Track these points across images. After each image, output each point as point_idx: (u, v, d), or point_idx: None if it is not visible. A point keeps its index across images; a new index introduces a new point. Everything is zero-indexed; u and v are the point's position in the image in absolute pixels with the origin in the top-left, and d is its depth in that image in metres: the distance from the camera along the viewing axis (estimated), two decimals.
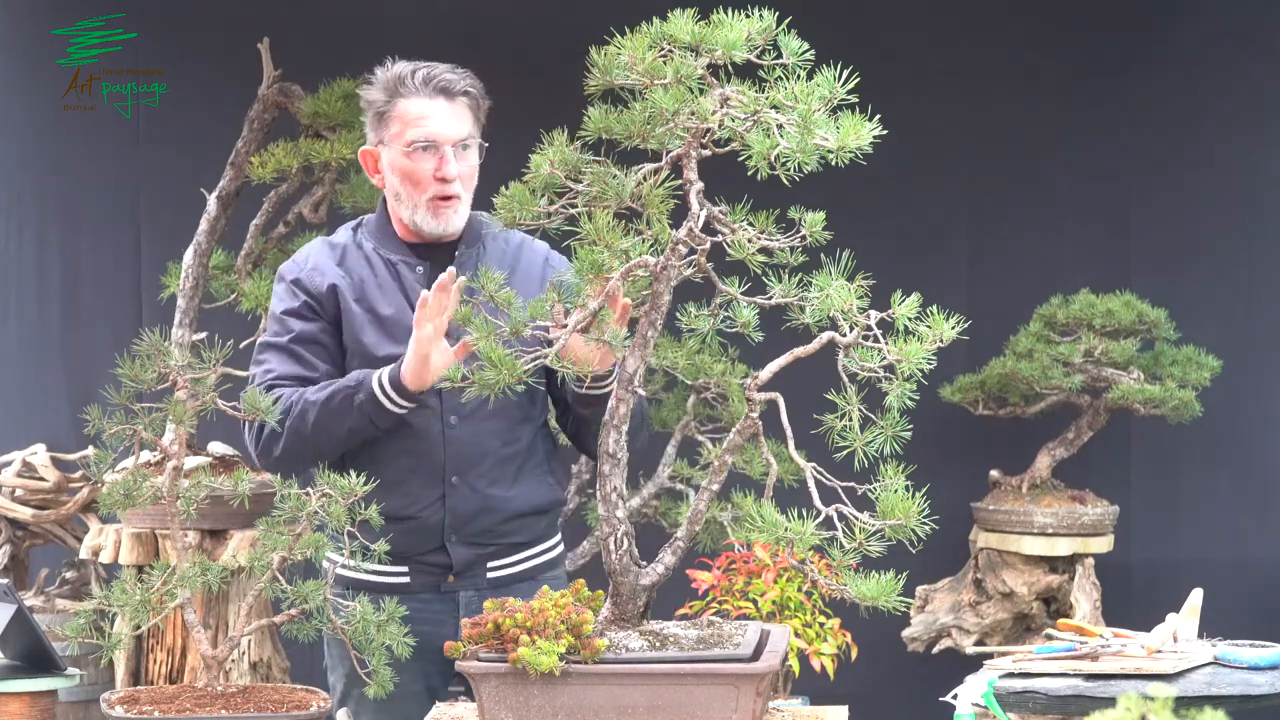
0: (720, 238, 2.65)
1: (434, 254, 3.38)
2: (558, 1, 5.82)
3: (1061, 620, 3.74)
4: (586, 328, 2.69)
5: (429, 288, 3.14)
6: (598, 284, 2.67)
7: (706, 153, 2.65)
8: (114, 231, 5.95)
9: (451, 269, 3.17)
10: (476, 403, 3.25)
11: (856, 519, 2.56)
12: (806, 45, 2.59)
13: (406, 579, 3.36)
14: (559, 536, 3.53)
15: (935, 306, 2.59)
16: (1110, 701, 3.06)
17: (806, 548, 2.57)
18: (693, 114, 2.60)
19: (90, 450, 5.48)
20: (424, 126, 3.30)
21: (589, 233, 2.65)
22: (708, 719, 2.57)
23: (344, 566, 3.31)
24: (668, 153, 2.65)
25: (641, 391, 3.07)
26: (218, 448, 5.16)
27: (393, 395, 3.21)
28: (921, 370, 2.54)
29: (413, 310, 3.22)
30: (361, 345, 3.33)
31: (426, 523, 3.34)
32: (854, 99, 2.56)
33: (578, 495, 5.46)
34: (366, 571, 3.30)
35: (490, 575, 3.38)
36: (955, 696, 3.15)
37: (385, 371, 3.23)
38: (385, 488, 3.26)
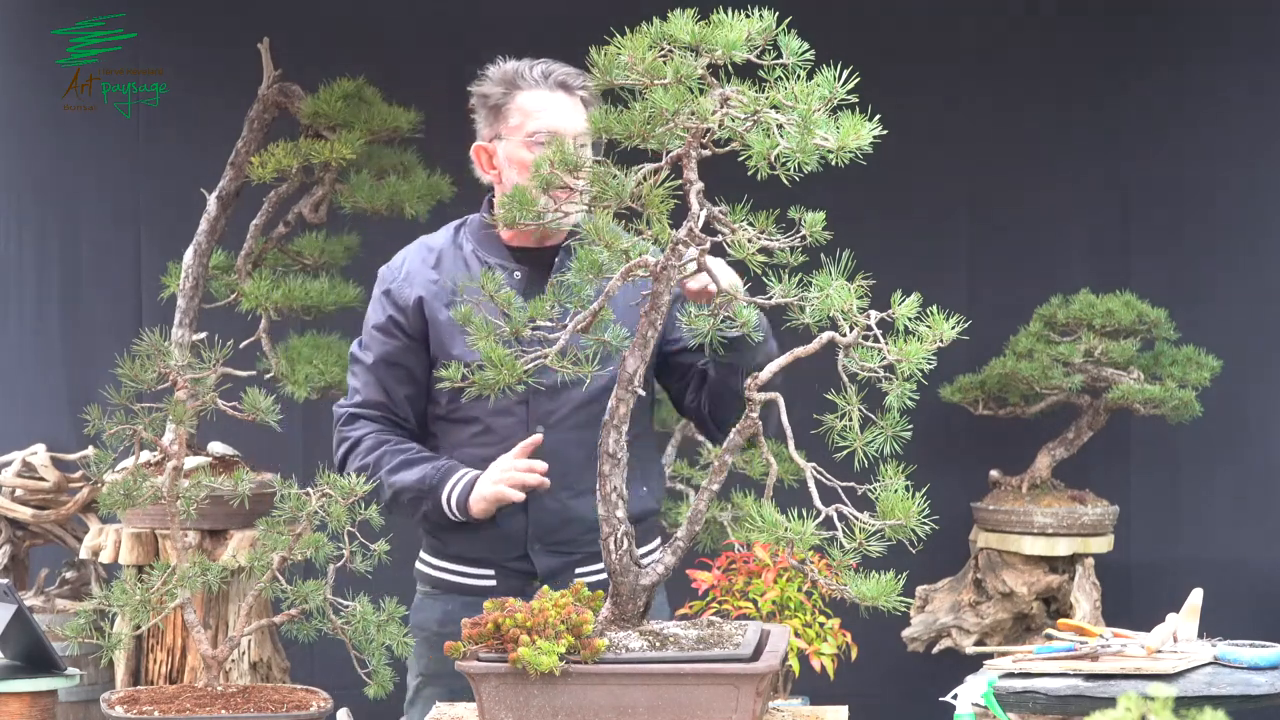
0: (720, 238, 2.65)
1: (533, 259, 3.33)
2: (558, 1, 5.82)
3: (1061, 620, 3.74)
4: (587, 328, 2.69)
5: (524, 294, 3.00)
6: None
7: (706, 153, 2.65)
8: (114, 231, 5.95)
9: (538, 437, 3.21)
10: (564, 412, 3.27)
11: (856, 519, 2.56)
12: (806, 45, 2.59)
13: (493, 582, 3.35)
14: (654, 543, 3.46)
15: (935, 306, 2.59)
16: (1110, 701, 3.06)
17: (806, 548, 2.57)
18: (693, 114, 2.60)
19: (90, 450, 5.48)
20: (544, 118, 3.27)
21: (589, 233, 2.65)
22: (708, 719, 2.57)
23: (429, 564, 3.36)
24: (668, 153, 2.65)
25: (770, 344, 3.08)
26: (218, 448, 5.16)
27: (459, 516, 3.27)
28: (921, 370, 2.54)
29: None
30: (451, 356, 3.26)
31: (509, 531, 3.32)
32: (854, 99, 2.55)
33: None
34: (451, 572, 3.37)
35: (579, 582, 3.35)
36: (955, 696, 3.15)
37: (456, 491, 3.25)
38: None
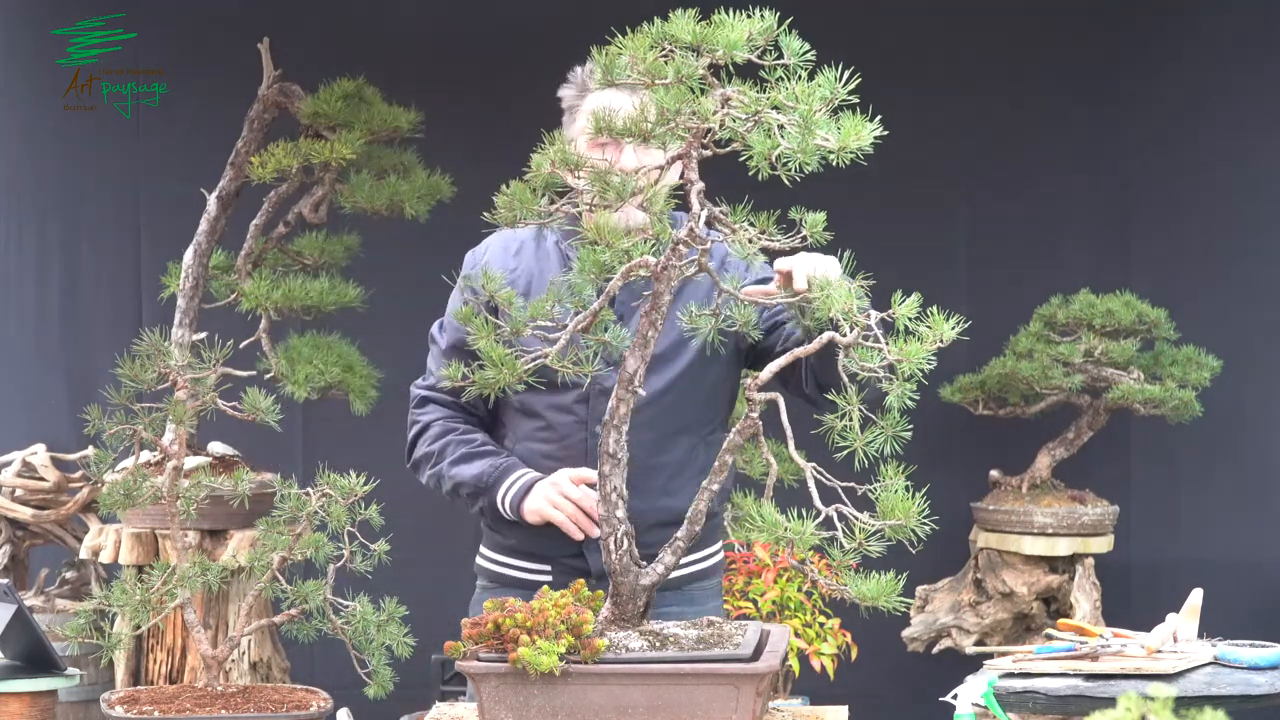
0: (721, 238, 2.65)
1: None
2: (558, 1, 5.82)
3: (1061, 620, 3.73)
4: (587, 327, 2.69)
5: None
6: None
7: (707, 153, 2.65)
8: (114, 231, 5.95)
9: (588, 475, 3.20)
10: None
11: (856, 519, 2.56)
12: (807, 45, 2.59)
13: (549, 578, 3.34)
14: (715, 546, 3.45)
15: (935, 306, 2.59)
16: (1110, 701, 3.06)
17: (806, 548, 2.57)
18: (694, 114, 2.60)
19: (90, 450, 5.48)
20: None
21: (589, 232, 2.65)
22: (708, 719, 2.57)
23: (489, 559, 3.37)
24: (668, 153, 2.65)
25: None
26: (218, 448, 5.15)
27: (512, 517, 3.29)
28: (922, 370, 2.54)
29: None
30: (519, 344, 3.30)
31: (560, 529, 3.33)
32: (855, 99, 2.55)
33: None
34: (509, 566, 3.39)
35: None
36: (955, 696, 3.15)
37: (511, 493, 3.27)
38: None
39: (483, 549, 3.46)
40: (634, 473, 3.28)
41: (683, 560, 3.37)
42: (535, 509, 3.25)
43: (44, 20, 5.79)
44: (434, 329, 3.46)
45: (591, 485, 3.21)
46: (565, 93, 3.37)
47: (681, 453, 3.33)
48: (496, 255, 3.39)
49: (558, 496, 3.24)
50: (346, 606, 2.84)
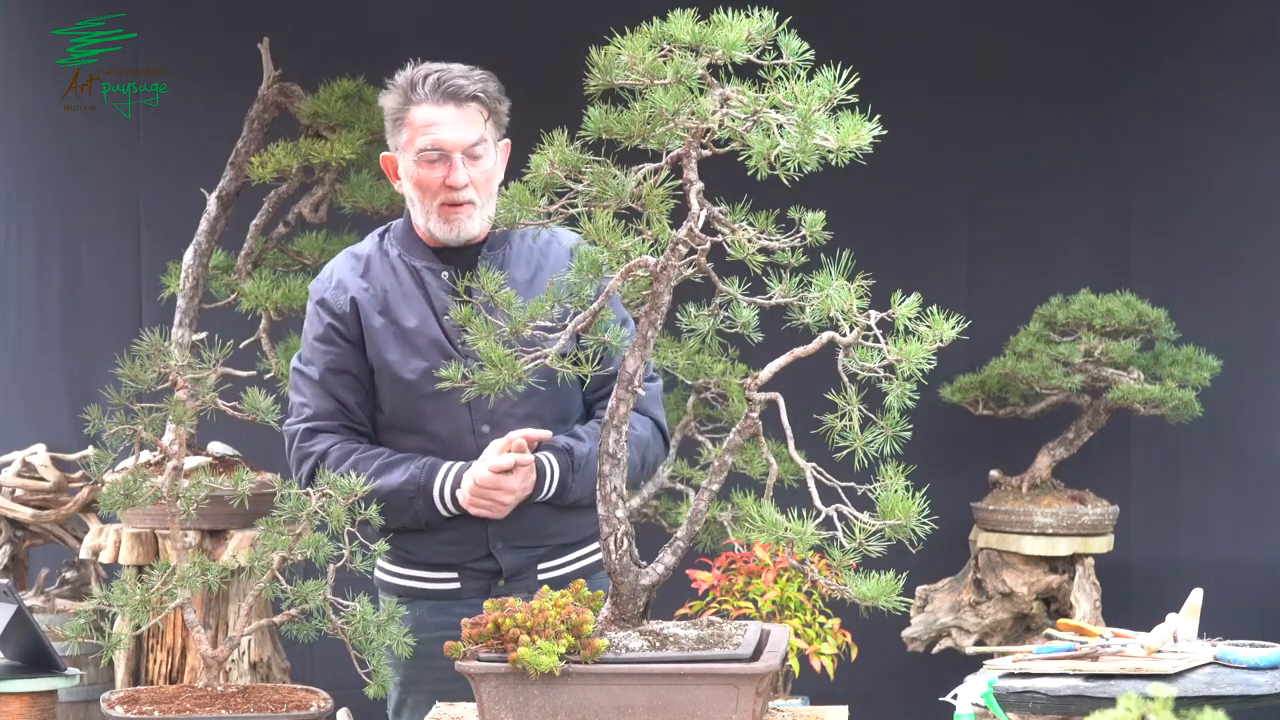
0: (720, 238, 2.65)
1: (459, 259, 3.33)
2: (558, 1, 5.82)
3: (1061, 620, 3.74)
4: (587, 328, 2.69)
5: (453, 294, 3.14)
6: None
7: (706, 153, 2.65)
8: (114, 231, 5.95)
9: (518, 439, 3.21)
10: (506, 408, 3.27)
11: (856, 519, 2.56)
12: (806, 45, 2.59)
13: (456, 585, 3.36)
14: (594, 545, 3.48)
15: (935, 306, 2.59)
16: (1110, 701, 3.06)
17: (806, 548, 2.57)
18: (693, 114, 2.60)
19: (90, 450, 5.48)
20: (432, 134, 3.25)
21: (589, 233, 2.65)
22: (708, 719, 2.57)
23: (392, 574, 3.36)
24: (668, 153, 2.65)
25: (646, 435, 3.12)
26: (218, 448, 5.16)
27: (453, 511, 3.28)
28: (921, 370, 2.54)
29: (436, 320, 3.26)
30: (386, 362, 3.32)
31: (469, 532, 3.33)
32: (854, 99, 2.56)
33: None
34: (415, 579, 3.38)
35: (541, 577, 3.35)
36: (955, 696, 3.15)
37: (447, 485, 3.26)
38: None
39: (381, 564, 3.40)
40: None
41: (582, 551, 3.42)
42: (468, 501, 3.25)
43: (44, 20, 5.79)
44: (295, 363, 3.42)
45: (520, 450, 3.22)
46: (389, 102, 3.31)
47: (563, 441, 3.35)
48: (346, 275, 3.38)
49: (474, 482, 3.23)
50: (346, 606, 2.84)
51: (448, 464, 3.28)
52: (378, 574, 3.43)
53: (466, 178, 3.27)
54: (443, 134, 3.26)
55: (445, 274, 3.32)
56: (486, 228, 3.34)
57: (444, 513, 3.28)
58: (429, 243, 3.36)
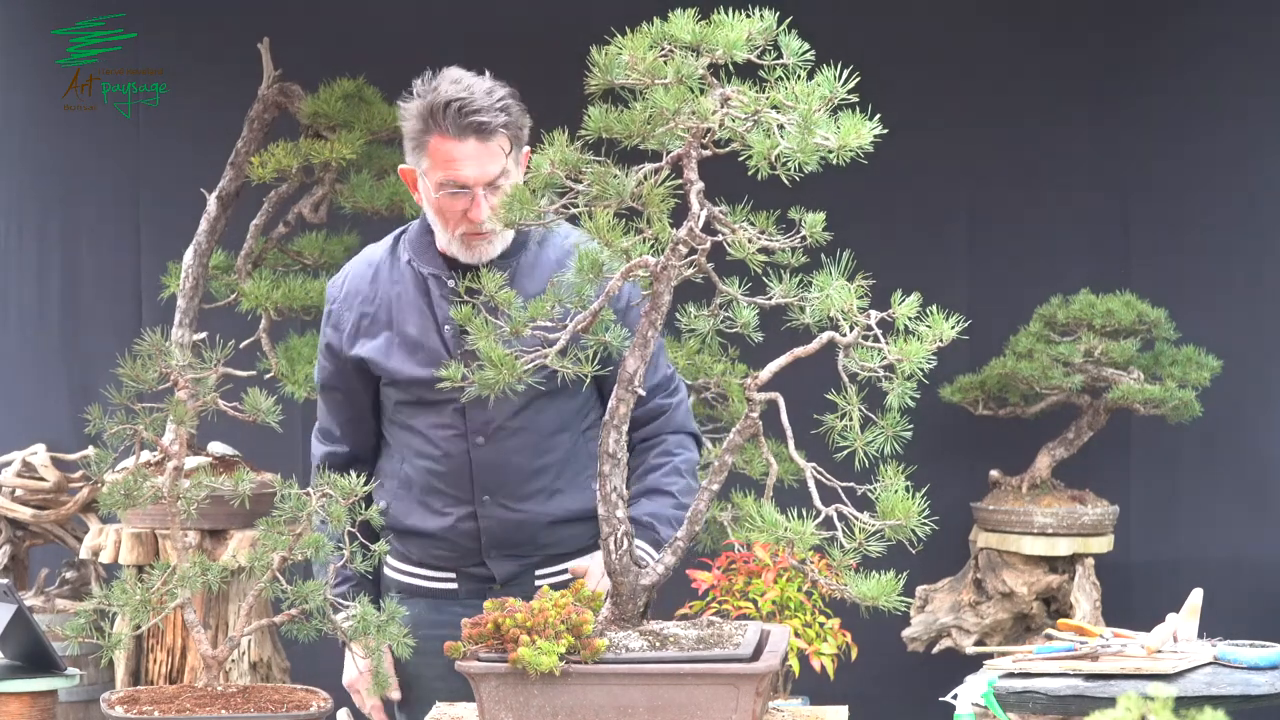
0: (720, 238, 2.65)
1: (467, 271, 3.27)
2: (558, 1, 5.82)
3: (1061, 620, 3.74)
4: (587, 328, 2.69)
5: (457, 305, 3.04)
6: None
7: (707, 153, 2.65)
8: (114, 231, 5.95)
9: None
10: (500, 420, 3.27)
11: (856, 519, 2.56)
12: (807, 45, 2.59)
13: (454, 585, 3.38)
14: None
15: (935, 306, 2.59)
16: (1110, 701, 3.06)
17: (806, 548, 2.57)
18: (693, 114, 2.60)
19: (90, 450, 5.48)
20: (455, 169, 3.19)
21: (589, 233, 2.65)
22: (708, 719, 2.57)
23: (393, 569, 3.37)
24: (668, 153, 2.65)
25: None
26: (218, 448, 5.16)
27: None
28: (921, 370, 2.54)
29: (437, 330, 3.27)
30: (388, 370, 3.32)
31: (462, 541, 3.34)
32: (854, 99, 2.56)
33: None
34: (418, 576, 3.40)
35: (539, 584, 3.33)
36: (955, 696, 3.15)
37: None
38: (418, 506, 3.29)
39: (389, 560, 3.43)
40: (519, 478, 3.31)
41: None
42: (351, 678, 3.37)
43: (44, 20, 5.79)
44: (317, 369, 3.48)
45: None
46: (409, 120, 3.24)
47: (562, 453, 3.35)
48: (356, 285, 3.39)
49: (357, 675, 3.33)
50: (346, 606, 2.84)
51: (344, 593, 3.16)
52: (386, 569, 3.44)
53: (488, 210, 3.19)
54: (465, 170, 3.20)
55: (451, 282, 3.29)
56: (500, 250, 3.32)
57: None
58: (442, 251, 3.33)
